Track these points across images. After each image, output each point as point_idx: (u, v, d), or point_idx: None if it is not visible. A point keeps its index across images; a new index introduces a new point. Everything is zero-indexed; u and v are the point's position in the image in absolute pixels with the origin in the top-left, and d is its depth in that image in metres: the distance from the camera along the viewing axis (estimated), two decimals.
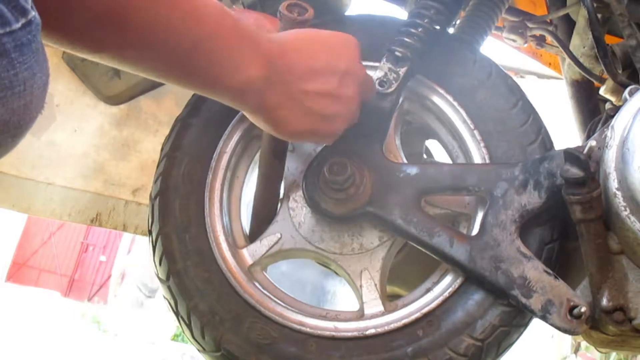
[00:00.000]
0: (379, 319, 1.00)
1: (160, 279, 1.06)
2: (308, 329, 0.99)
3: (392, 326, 0.98)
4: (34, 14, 0.54)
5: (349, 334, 0.99)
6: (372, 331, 0.99)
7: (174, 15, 0.73)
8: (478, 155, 1.04)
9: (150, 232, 1.08)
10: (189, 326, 1.02)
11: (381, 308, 1.01)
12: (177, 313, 1.04)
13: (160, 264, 1.05)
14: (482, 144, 1.04)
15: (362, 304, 1.02)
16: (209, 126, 1.10)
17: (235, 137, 1.10)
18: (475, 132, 1.05)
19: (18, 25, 0.52)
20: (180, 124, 1.11)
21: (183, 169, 1.08)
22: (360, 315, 1.02)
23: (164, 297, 1.06)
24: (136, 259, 10.84)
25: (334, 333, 0.99)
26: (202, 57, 0.77)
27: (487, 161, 1.03)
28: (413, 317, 0.99)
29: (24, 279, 13.98)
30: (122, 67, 0.77)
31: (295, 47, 0.87)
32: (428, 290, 1.02)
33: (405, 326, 0.98)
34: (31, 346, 6.30)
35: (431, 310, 0.99)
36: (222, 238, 1.05)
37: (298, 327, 0.99)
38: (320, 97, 0.88)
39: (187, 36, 0.75)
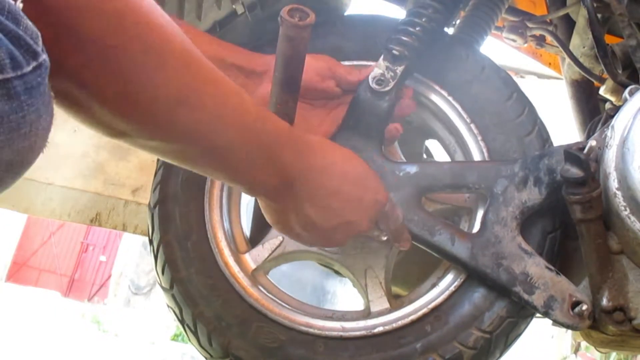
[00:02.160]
0: (386, 317, 1.00)
1: (163, 288, 1.05)
2: (315, 330, 0.99)
3: (400, 323, 0.99)
4: (44, 57, 0.54)
5: (357, 333, 0.99)
6: (380, 329, 0.99)
7: (200, 118, 0.71)
8: (476, 148, 1.04)
9: (151, 242, 1.08)
10: (195, 334, 1.02)
11: (387, 305, 1.01)
12: (182, 321, 1.03)
13: (163, 273, 1.04)
14: (479, 137, 1.04)
15: (367, 302, 1.02)
16: None
17: None
18: (472, 125, 1.05)
19: (29, 68, 0.52)
20: None
21: (181, 176, 1.07)
22: (366, 314, 1.02)
23: (168, 305, 1.06)
24: (128, 257, 10.90)
25: (341, 333, 0.99)
26: (219, 158, 0.77)
27: (485, 154, 1.04)
28: (420, 313, 0.99)
29: (24, 279, 13.98)
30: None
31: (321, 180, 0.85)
32: (434, 286, 1.02)
33: (413, 322, 0.98)
34: (31, 346, 6.30)
35: (438, 305, 0.99)
36: (224, 244, 1.05)
37: (305, 328, 0.99)
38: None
39: (206, 140, 0.74)
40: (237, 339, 0.99)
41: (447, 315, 0.98)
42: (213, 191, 1.08)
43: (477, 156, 1.04)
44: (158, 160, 1.11)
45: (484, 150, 1.04)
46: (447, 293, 0.99)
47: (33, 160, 0.58)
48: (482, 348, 0.96)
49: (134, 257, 10.63)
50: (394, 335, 0.98)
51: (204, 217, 1.06)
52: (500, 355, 0.99)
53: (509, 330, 0.97)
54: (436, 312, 0.98)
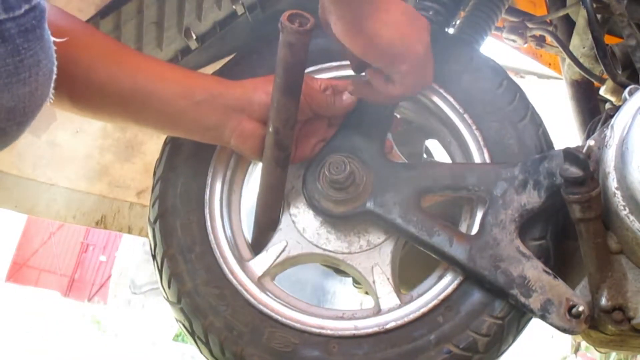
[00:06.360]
0: (397, 312, 1.00)
1: (171, 302, 1.04)
2: (328, 331, 0.99)
3: (412, 317, 0.98)
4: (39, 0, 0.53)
5: (370, 330, 0.99)
6: (392, 324, 0.98)
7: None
8: (471, 138, 1.05)
9: (154, 257, 1.07)
10: (206, 345, 1.01)
11: (397, 301, 1.01)
12: (192, 334, 1.02)
13: (169, 287, 1.04)
14: (474, 127, 1.05)
15: (377, 299, 1.02)
16: (200, 143, 1.09)
17: (228, 151, 1.09)
18: (466, 115, 1.05)
19: (21, 10, 0.51)
20: (170, 144, 1.10)
21: (179, 189, 1.07)
22: (377, 311, 1.02)
23: (177, 319, 1.05)
24: (128, 257, 10.87)
25: (354, 332, 0.99)
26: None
27: (481, 142, 1.04)
28: (431, 305, 0.99)
29: (24, 279, 13.98)
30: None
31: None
32: (441, 277, 1.02)
33: (425, 315, 0.98)
34: (31, 346, 6.30)
35: (448, 296, 0.99)
36: (228, 253, 1.05)
37: (318, 330, 0.99)
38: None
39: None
40: (250, 347, 0.98)
41: (458, 305, 0.98)
42: (213, 201, 1.07)
43: (473, 145, 1.05)
44: (154, 174, 1.10)
45: (480, 139, 1.04)
46: (455, 283, 0.99)
47: (36, 109, 0.56)
48: (495, 334, 0.96)
49: (135, 257, 10.60)
50: (406, 330, 0.98)
51: (205, 227, 1.05)
52: (513, 340, 0.99)
53: (520, 315, 0.97)
54: (447, 303, 0.98)
